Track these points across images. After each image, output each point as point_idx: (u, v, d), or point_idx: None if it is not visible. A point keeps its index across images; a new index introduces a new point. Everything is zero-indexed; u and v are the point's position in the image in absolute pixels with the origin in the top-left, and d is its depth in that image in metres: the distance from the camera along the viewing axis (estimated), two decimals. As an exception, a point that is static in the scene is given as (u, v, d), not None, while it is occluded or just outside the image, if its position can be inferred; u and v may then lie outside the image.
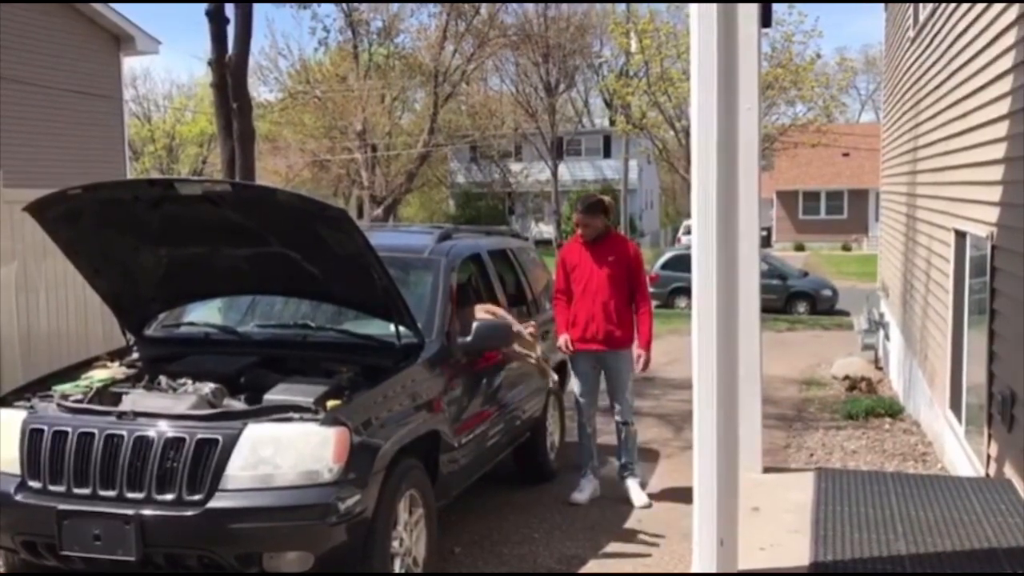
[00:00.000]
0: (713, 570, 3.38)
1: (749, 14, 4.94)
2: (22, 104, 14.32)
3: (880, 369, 12.20)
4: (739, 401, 5.34)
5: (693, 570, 3.51)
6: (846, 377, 11.42)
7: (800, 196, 45.80)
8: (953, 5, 7.37)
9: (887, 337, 12.13)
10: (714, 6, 3.38)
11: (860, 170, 42.19)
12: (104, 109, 16.69)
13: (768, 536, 4.28)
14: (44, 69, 14.90)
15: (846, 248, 42.28)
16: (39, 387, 4.91)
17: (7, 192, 7.77)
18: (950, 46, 7.49)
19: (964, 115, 6.88)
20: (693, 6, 3.47)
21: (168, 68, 79.53)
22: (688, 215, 43.08)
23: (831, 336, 17.09)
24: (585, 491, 6.82)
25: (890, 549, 3.96)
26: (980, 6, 6.31)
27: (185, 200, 4.63)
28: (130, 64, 41.34)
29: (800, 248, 42.45)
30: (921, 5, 9.47)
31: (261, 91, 36.11)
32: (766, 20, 5.17)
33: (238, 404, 4.66)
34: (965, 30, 6.84)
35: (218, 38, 10.42)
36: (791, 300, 22.23)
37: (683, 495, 6.94)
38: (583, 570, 5.56)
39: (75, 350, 8.06)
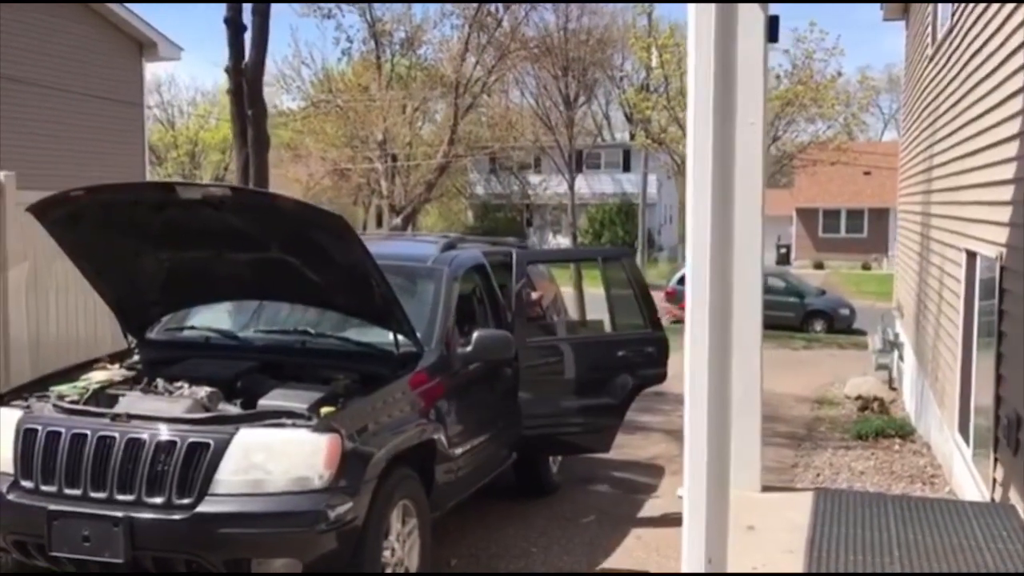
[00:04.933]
0: (700, 590, 3.33)
1: (753, 29, 4.89)
2: (44, 108, 14.44)
3: (894, 389, 12.07)
4: (737, 419, 5.30)
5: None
6: (858, 397, 11.28)
7: (820, 214, 45.50)
8: (971, 23, 7.29)
9: (901, 357, 12.01)
10: (712, 21, 3.35)
11: (881, 189, 41.86)
12: (126, 115, 16.78)
13: (761, 556, 4.21)
14: (66, 74, 15.01)
15: (866, 267, 41.96)
16: (38, 387, 4.93)
17: (19, 194, 7.80)
18: (965, 64, 7.42)
19: (977, 134, 6.81)
20: (691, 21, 3.44)
21: (193, 75, 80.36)
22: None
23: (847, 355, 16.97)
24: None
25: (885, 573, 3.89)
26: (995, 24, 6.24)
27: (185, 204, 4.64)
28: (155, 71, 41.78)
29: (819, 266, 42.16)
30: (939, 23, 9.40)
31: (284, 99, 36.35)
32: (772, 34, 5.12)
33: (233, 409, 4.65)
34: (980, 48, 6.77)
35: (235, 45, 10.46)
36: (808, 318, 22.11)
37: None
38: (578, 585, 5.52)
39: (84, 353, 8.01)
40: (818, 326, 22.00)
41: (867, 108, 24.43)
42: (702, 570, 3.40)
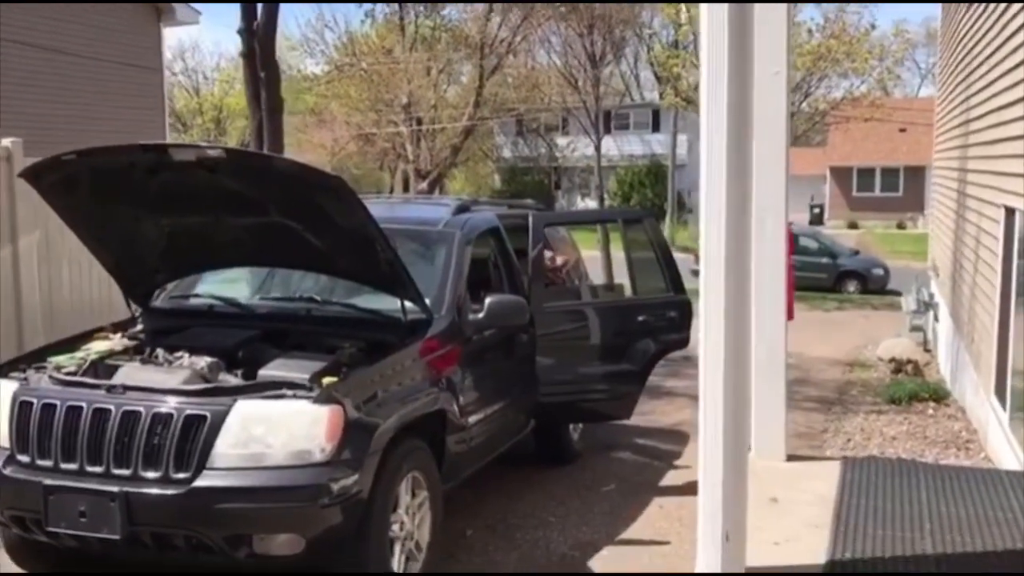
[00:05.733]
0: (717, 569, 3.13)
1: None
2: (60, 74, 14.31)
3: (929, 351, 11.75)
4: (761, 385, 5.09)
5: (697, 568, 3.26)
6: (892, 359, 10.99)
7: (854, 173, 44.62)
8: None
9: (936, 318, 11.67)
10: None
11: (917, 146, 40.88)
12: (146, 80, 16.64)
13: (784, 530, 4.01)
14: (84, 39, 14.86)
15: (901, 226, 41.17)
16: (36, 358, 4.80)
17: (26, 161, 7.67)
18: (1004, 10, 7.04)
19: (1016, 84, 6.46)
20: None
21: (217, 40, 79.64)
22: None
23: (880, 316, 16.62)
24: None
25: (915, 548, 3.67)
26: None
27: (181, 167, 4.45)
28: (179, 36, 41.60)
29: (853, 226, 41.40)
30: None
31: (308, 64, 36.10)
32: (797, -22, 4.81)
33: (233, 379, 4.50)
34: (1020, -8, 6.40)
35: (248, 7, 10.28)
36: (841, 279, 21.73)
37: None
38: (597, 558, 5.34)
39: (98, 322, 7.96)
40: (851, 287, 21.62)
41: (902, 62, 23.72)
42: (718, 547, 3.19)
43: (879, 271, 22.28)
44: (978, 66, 8.51)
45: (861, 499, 4.26)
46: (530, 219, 6.48)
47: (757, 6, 3.43)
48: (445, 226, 5.85)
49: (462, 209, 6.22)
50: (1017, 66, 6.39)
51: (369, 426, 4.29)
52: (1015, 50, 6.54)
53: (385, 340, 4.85)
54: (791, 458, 5.19)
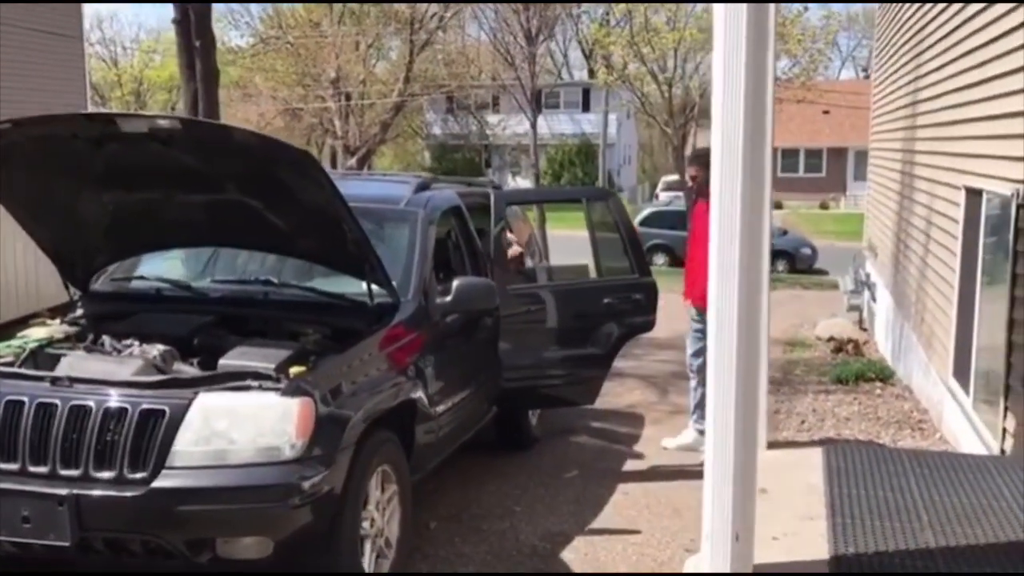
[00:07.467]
0: (727, 569, 2.95)
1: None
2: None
3: (865, 330, 11.88)
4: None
5: (703, 569, 3.08)
6: (831, 338, 11.08)
7: (779, 154, 45.29)
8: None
9: (873, 298, 11.79)
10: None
11: (840, 128, 41.75)
12: (65, 49, 15.87)
13: (781, 523, 3.86)
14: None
15: (824, 207, 41.99)
16: (-33, 348, 4.38)
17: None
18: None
19: (979, 65, 6.42)
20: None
21: (136, 11, 76.34)
22: (666, 172, 42.00)
23: (812, 296, 16.83)
24: (680, 439, 6.85)
25: (917, 540, 3.56)
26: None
27: (129, 138, 4.08)
28: (95, 7, 40.05)
29: (778, 206, 41.98)
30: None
31: (232, 36, 35.02)
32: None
33: (190, 370, 4.17)
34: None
35: (180, -29, 9.76)
36: (770, 258, 22.00)
37: (673, 465, 6.57)
38: (569, 549, 5.16)
39: (29, 307, 7.46)
40: (780, 266, 21.89)
41: (832, 43, 24.04)
42: (728, 548, 3.02)
43: (807, 250, 22.64)
44: (928, 48, 8.50)
45: (851, 488, 4.15)
46: (492, 197, 6.23)
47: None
48: (407, 204, 5.56)
49: (423, 187, 5.93)
50: (980, 47, 6.35)
51: (341, 419, 4.01)
52: (976, 32, 6.50)
53: (351, 326, 4.56)
54: (771, 446, 5.07)
